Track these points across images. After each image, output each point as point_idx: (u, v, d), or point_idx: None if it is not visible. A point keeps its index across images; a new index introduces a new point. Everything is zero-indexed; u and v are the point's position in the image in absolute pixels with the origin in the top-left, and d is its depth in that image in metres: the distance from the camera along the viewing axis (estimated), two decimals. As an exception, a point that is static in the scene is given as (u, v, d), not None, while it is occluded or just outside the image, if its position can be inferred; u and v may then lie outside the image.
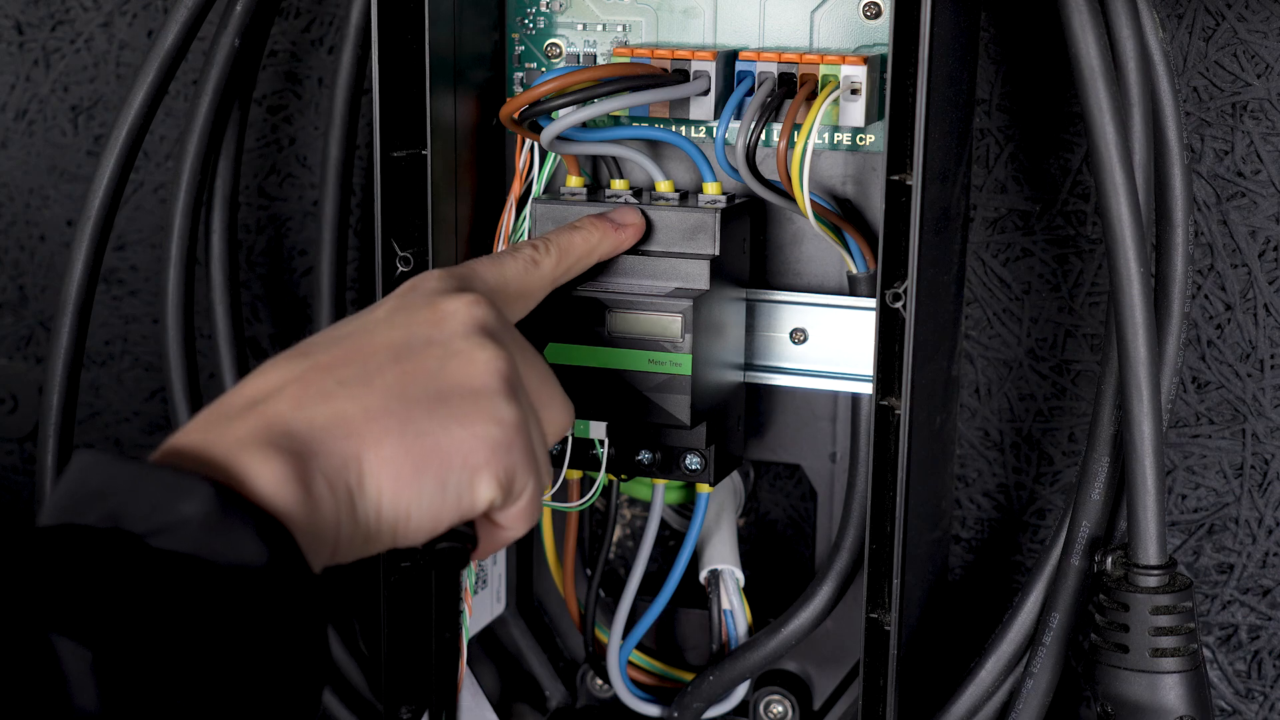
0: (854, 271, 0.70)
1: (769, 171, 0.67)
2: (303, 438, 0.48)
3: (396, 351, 0.52)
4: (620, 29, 0.72)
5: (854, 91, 0.66)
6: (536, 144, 0.70)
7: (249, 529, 0.44)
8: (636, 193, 0.71)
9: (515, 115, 0.66)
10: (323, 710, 0.81)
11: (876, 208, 0.70)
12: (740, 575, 0.76)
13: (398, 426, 0.50)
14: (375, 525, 0.49)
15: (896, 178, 0.63)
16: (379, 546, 0.50)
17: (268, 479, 0.46)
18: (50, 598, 0.41)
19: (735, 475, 0.78)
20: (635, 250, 0.68)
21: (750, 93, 0.66)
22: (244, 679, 0.43)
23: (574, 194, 0.70)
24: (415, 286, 0.56)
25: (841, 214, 0.70)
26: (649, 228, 0.68)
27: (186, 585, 0.43)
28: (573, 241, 0.64)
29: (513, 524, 0.55)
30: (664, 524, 0.80)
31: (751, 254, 0.72)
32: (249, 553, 0.44)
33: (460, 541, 0.53)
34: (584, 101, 0.66)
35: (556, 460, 0.72)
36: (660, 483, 0.73)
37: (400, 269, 0.69)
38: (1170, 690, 0.63)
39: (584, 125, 0.68)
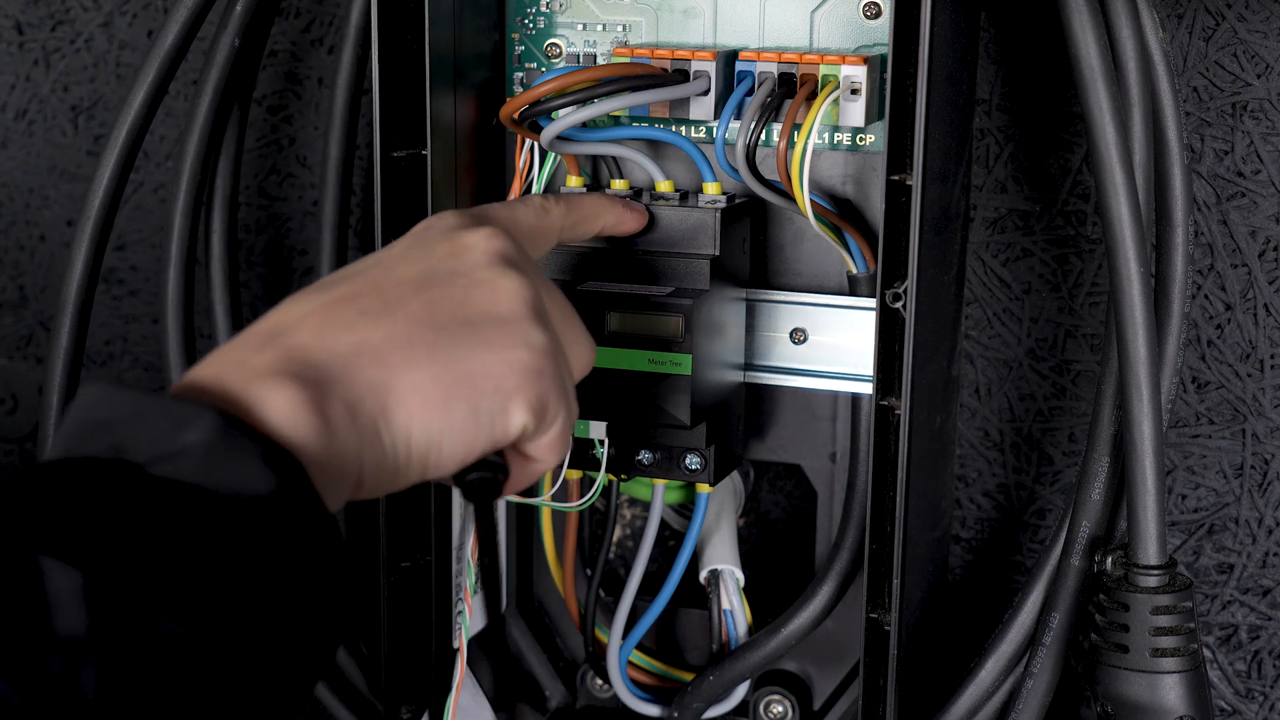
0: (854, 271, 0.70)
1: (769, 171, 0.67)
2: (323, 366, 0.47)
3: (419, 282, 0.51)
4: (620, 29, 0.72)
5: (854, 91, 0.66)
6: (536, 144, 0.70)
7: (254, 456, 0.43)
8: (636, 193, 0.71)
9: (515, 115, 0.66)
10: (323, 710, 0.81)
11: (876, 208, 0.70)
12: (740, 575, 0.76)
13: (425, 352, 0.49)
14: (405, 455, 0.48)
15: (896, 178, 0.63)
16: (409, 478, 0.49)
17: (280, 407, 0.45)
18: (42, 520, 0.40)
19: (735, 475, 0.78)
20: (636, 250, 0.68)
21: (750, 93, 0.66)
22: (245, 615, 0.42)
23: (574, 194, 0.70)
24: (430, 225, 0.55)
25: (841, 214, 0.70)
26: (649, 227, 0.68)
27: (186, 512, 0.42)
28: (581, 199, 0.65)
29: (544, 455, 0.54)
30: (664, 524, 0.80)
31: (751, 254, 0.72)
32: (254, 481, 0.43)
33: (492, 471, 0.52)
34: (584, 101, 0.66)
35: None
36: (660, 483, 0.73)
37: (400, 269, 0.69)
38: (1170, 690, 0.63)
39: (584, 125, 0.68)
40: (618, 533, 0.84)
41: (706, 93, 0.67)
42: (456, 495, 0.73)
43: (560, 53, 0.73)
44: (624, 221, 0.67)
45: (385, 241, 0.68)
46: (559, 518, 0.79)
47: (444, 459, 0.49)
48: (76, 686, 0.39)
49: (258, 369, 0.46)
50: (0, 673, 0.38)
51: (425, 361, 0.49)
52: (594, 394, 0.67)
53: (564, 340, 0.54)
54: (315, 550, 0.44)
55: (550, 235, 0.62)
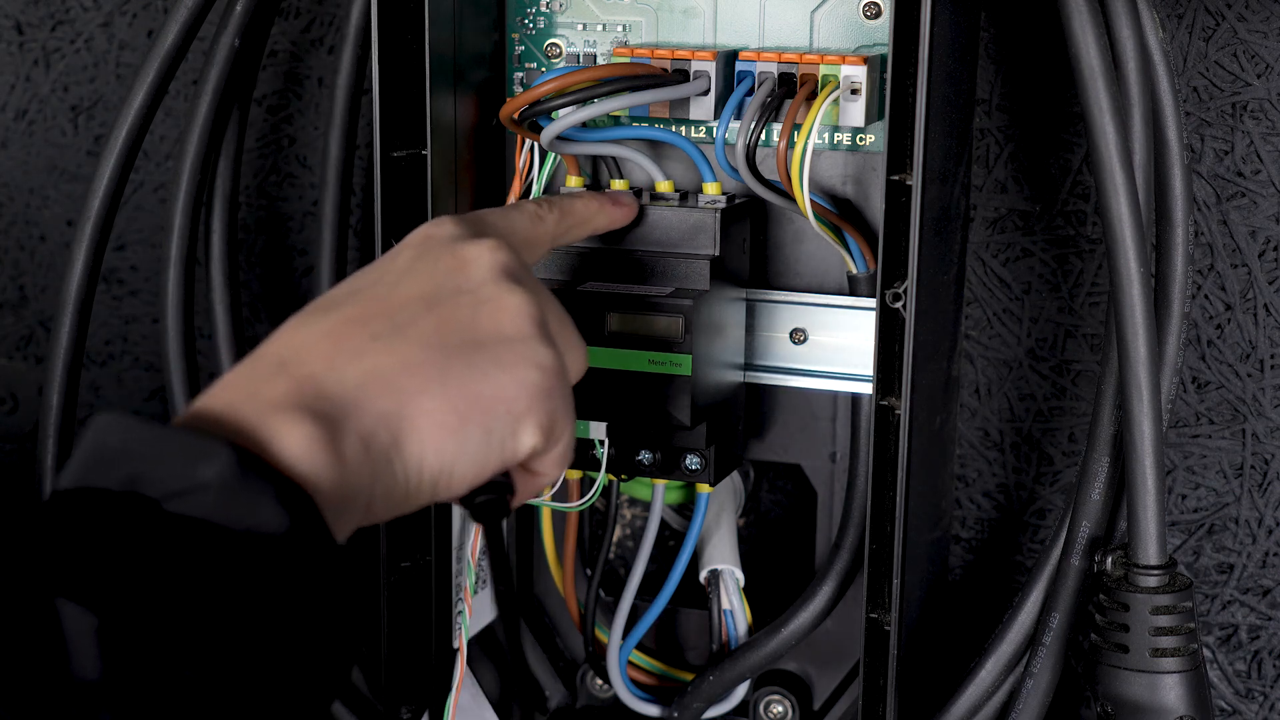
0: (854, 271, 0.70)
1: (769, 171, 0.67)
2: (336, 399, 0.47)
3: (426, 300, 0.51)
4: (620, 29, 0.72)
5: (854, 91, 0.66)
6: (536, 144, 0.70)
7: (268, 495, 0.43)
8: (637, 192, 0.71)
9: (515, 115, 0.66)
10: (323, 710, 0.81)
11: (876, 208, 0.70)
12: (740, 575, 0.76)
13: (438, 376, 0.49)
14: (417, 482, 0.48)
15: (896, 178, 0.63)
16: (420, 503, 0.49)
17: (294, 444, 0.45)
18: (57, 561, 0.40)
19: (735, 475, 0.78)
20: (635, 250, 0.68)
21: (750, 93, 0.66)
22: (257, 652, 0.42)
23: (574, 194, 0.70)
24: (430, 235, 0.55)
25: (841, 214, 0.70)
26: (650, 227, 0.68)
27: (200, 552, 0.42)
28: (574, 204, 0.64)
29: (549, 470, 0.54)
30: (664, 524, 0.80)
31: (751, 254, 0.72)
32: (268, 520, 0.43)
33: (498, 492, 0.52)
34: (584, 101, 0.66)
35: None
36: (660, 483, 0.73)
37: (400, 269, 0.69)
38: (1170, 690, 0.63)
39: (584, 125, 0.68)
40: (618, 533, 0.84)
41: (706, 93, 0.67)
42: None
43: (560, 53, 0.73)
44: (615, 221, 0.67)
45: (385, 242, 0.68)
46: (559, 518, 0.79)
47: (455, 483, 0.49)
48: None
49: (271, 401, 0.46)
50: (20, 717, 0.39)
51: (438, 387, 0.49)
52: (594, 394, 0.67)
53: (563, 347, 0.55)
54: (326, 588, 0.44)
55: (544, 242, 0.62)
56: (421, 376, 0.48)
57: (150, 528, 0.42)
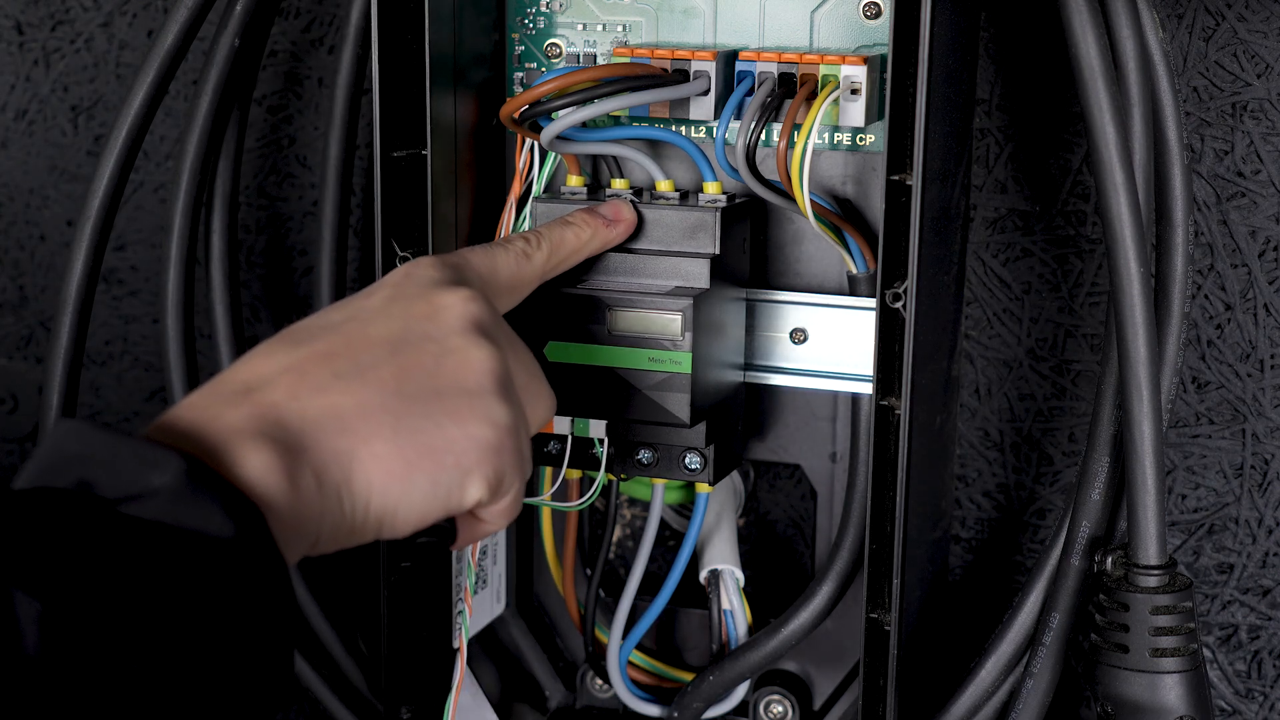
0: (854, 271, 0.70)
1: (769, 171, 0.67)
2: (295, 431, 0.48)
3: (393, 345, 0.52)
4: (620, 29, 0.72)
5: (854, 91, 0.66)
6: (536, 144, 0.70)
7: (217, 505, 0.44)
8: (637, 192, 0.71)
9: (515, 115, 0.66)
10: (323, 710, 0.81)
11: (876, 208, 0.70)
12: (740, 575, 0.76)
13: (392, 423, 0.50)
14: (363, 519, 0.50)
15: (896, 178, 0.63)
16: (363, 539, 0.51)
17: (253, 467, 0.46)
18: (10, 553, 0.42)
19: (735, 475, 0.78)
20: (635, 249, 0.68)
21: (750, 93, 0.66)
22: (196, 650, 0.43)
23: (574, 193, 0.70)
24: (410, 275, 0.56)
25: (841, 214, 0.70)
26: (650, 226, 0.68)
27: (146, 549, 0.43)
28: (564, 237, 0.65)
29: (494, 520, 0.55)
30: (664, 524, 0.80)
31: (751, 254, 0.72)
32: (216, 526, 0.44)
33: (440, 536, 0.54)
34: (584, 101, 0.66)
35: (556, 460, 0.72)
36: (660, 483, 0.73)
37: (400, 269, 0.69)
38: (1170, 690, 0.63)
39: (584, 125, 0.68)
40: (618, 533, 0.84)
41: (706, 93, 0.67)
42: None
43: (560, 53, 0.73)
44: (610, 241, 0.67)
45: (385, 242, 0.68)
46: (559, 517, 0.79)
47: (399, 524, 0.51)
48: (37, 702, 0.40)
49: (234, 425, 0.47)
50: None
51: (390, 433, 0.50)
52: (594, 393, 0.67)
53: (526, 398, 0.56)
54: (267, 596, 0.45)
55: (533, 280, 0.62)
56: (376, 421, 0.50)
57: (99, 525, 0.43)
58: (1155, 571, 0.63)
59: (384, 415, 0.50)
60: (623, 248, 0.68)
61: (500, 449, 0.52)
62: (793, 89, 0.66)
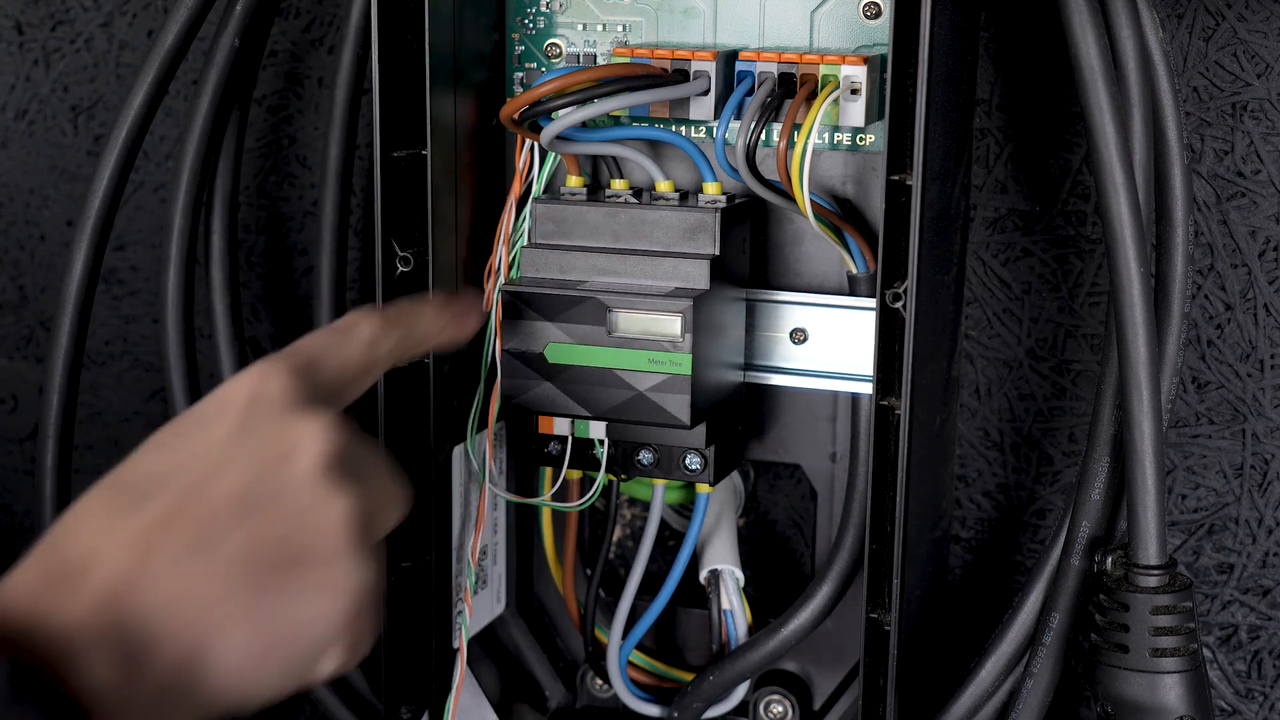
0: (854, 271, 0.70)
1: (769, 171, 0.67)
2: (139, 628, 0.46)
3: (243, 505, 0.49)
4: (620, 29, 0.72)
5: (854, 91, 0.66)
6: (536, 144, 0.70)
7: (35, 713, 0.42)
8: (636, 192, 0.71)
9: (515, 115, 0.66)
10: (322, 710, 0.81)
11: (876, 208, 0.70)
12: (740, 575, 0.76)
13: (245, 609, 0.48)
14: (211, 704, 0.48)
15: (896, 178, 0.63)
16: (211, 716, 0.49)
17: (92, 676, 0.45)
18: None
19: (735, 475, 0.78)
20: (635, 250, 0.68)
21: (750, 93, 0.66)
22: None
23: (574, 194, 0.70)
24: (257, 396, 0.51)
25: (841, 214, 0.70)
26: (650, 227, 0.68)
27: None
28: (418, 323, 0.61)
29: (339, 672, 0.53)
30: (664, 524, 0.80)
31: (751, 254, 0.72)
32: None
33: None
34: (584, 101, 0.66)
35: (556, 460, 0.72)
36: (660, 483, 0.73)
37: (400, 269, 0.69)
38: (1170, 690, 0.63)
39: (584, 125, 0.68)
40: (618, 533, 0.84)
41: (706, 93, 0.67)
42: (456, 496, 0.73)
43: (560, 53, 0.73)
44: (456, 341, 0.64)
45: (385, 242, 0.68)
46: (559, 517, 0.79)
47: (251, 705, 0.49)
48: None
49: (73, 621, 0.45)
50: None
51: (244, 620, 0.48)
52: (594, 394, 0.67)
53: (379, 504, 0.52)
54: None
55: (378, 369, 0.58)
56: (229, 607, 0.47)
57: None
58: (1155, 571, 0.63)
59: (238, 601, 0.47)
60: (623, 248, 0.68)
61: (360, 613, 0.50)
62: (793, 89, 0.66)
